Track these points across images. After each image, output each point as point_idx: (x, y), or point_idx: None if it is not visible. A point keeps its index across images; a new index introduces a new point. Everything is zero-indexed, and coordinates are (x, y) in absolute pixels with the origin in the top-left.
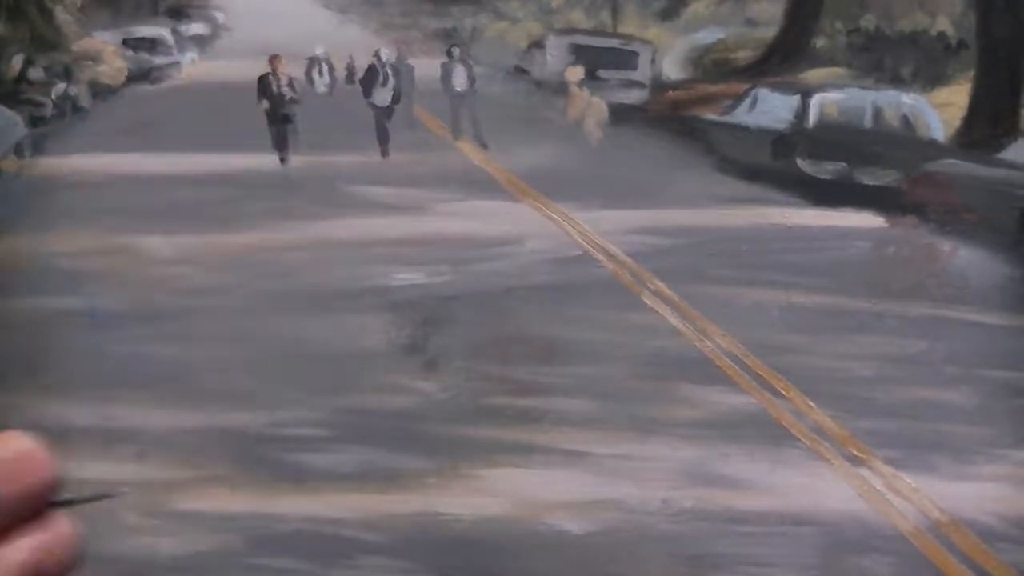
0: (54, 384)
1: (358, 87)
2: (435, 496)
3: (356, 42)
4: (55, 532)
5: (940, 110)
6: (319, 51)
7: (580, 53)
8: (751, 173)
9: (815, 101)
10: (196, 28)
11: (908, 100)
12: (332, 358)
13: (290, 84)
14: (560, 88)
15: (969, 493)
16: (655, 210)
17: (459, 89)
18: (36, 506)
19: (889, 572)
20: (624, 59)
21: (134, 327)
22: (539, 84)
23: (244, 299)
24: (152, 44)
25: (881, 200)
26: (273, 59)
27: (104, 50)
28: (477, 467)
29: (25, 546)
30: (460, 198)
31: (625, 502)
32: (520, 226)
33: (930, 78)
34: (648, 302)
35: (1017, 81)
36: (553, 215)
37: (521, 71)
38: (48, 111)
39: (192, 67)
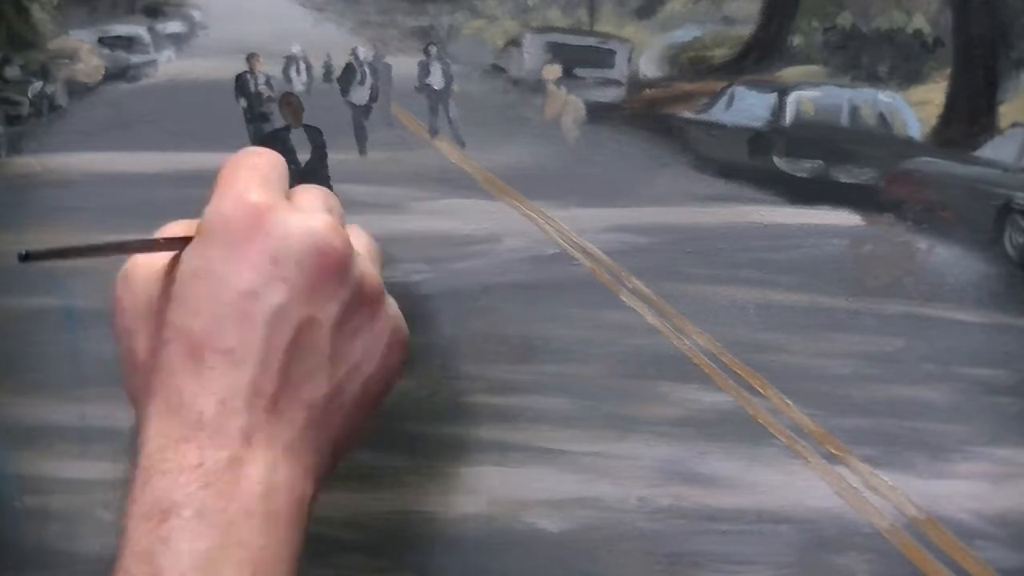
0: (30, 383)
1: (335, 85)
2: (412, 494)
3: (333, 40)
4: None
5: (917, 108)
6: (296, 49)
7: (557, 51)
8: (728, 171)
9: (792, 99)
10: (173, 26)
11: (885, 98)
12: None
13: (268, 83)
14: (537, 86)
15: (947, 490)
16: (632, 208)
17: (436, 87)
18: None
19: (866, 569)
20: (601, 57)
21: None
22: (516, 82)
23: None
24: (129, 42)
25: (858, 198)
26: (250, 58)
27: (80, 48)
28: (454, 465)
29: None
30: (437, 196)
31: (602, 500)
32: (497, 224)
33: (907, 76)
34: (625, 300)
35: (993, 79)
36: (530, 213)
37: (498, 69)
38: (24, 110)
39: (169, 65)
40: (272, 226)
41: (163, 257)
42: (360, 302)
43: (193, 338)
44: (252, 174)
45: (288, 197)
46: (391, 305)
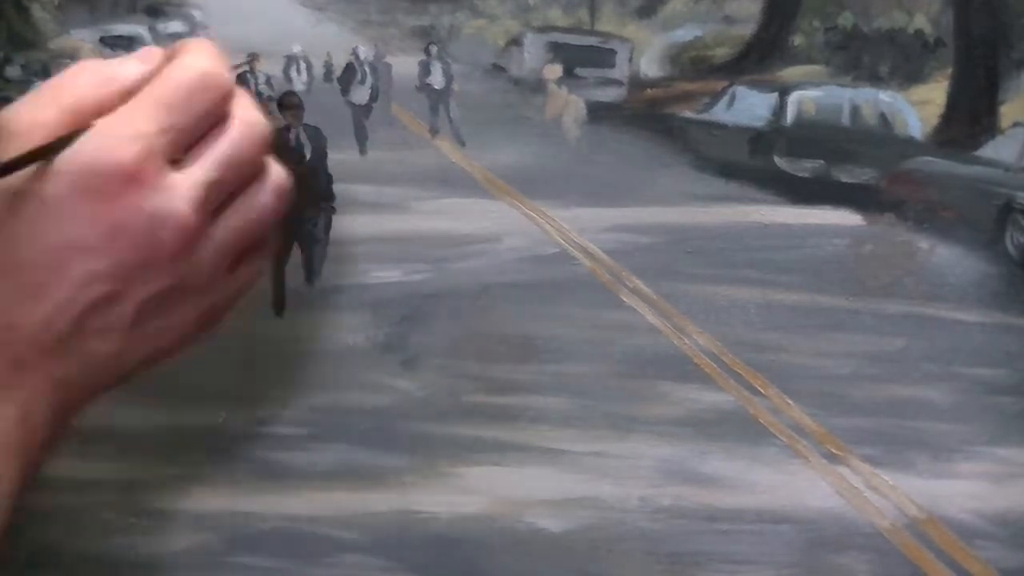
0: None
1: (336, 85)
2: (413, 494)
3: (334, 40)
4: (235, 130)
5: (918, 108)
6: (296, 49)
7: (558, 51)
8: (729, 171)
9: (793, 99)
10: (174, 26)
11: (886, 98)
12: (309, 356)
13: (268, 82)
14: (538, 86)
15: (947, 490)
16: (633, 208)
17: (437, 87)
18: (216, 114)
19: (867, 569)
20: (602, 57)
21: None
22: (517, 82)
23: None
24: (130, 42)
25: (859, 198)
26: (251, 57)
27: (81, 48)
28: (455, 465)
29: (209, 153)
30: (438, 196)
31: (603, 500)
32: (498, 224)
33: (908, 76)
34: (626, 300)
35: (994, 79)
36: (531, 213)
37: (499, 69)
38: None
39: None
40: (125, 199)
41: (43, 127)
42: (181, 290)
43: (3, 260)
44: (156, 120)
45: (190, 148)
46: (225, 287)
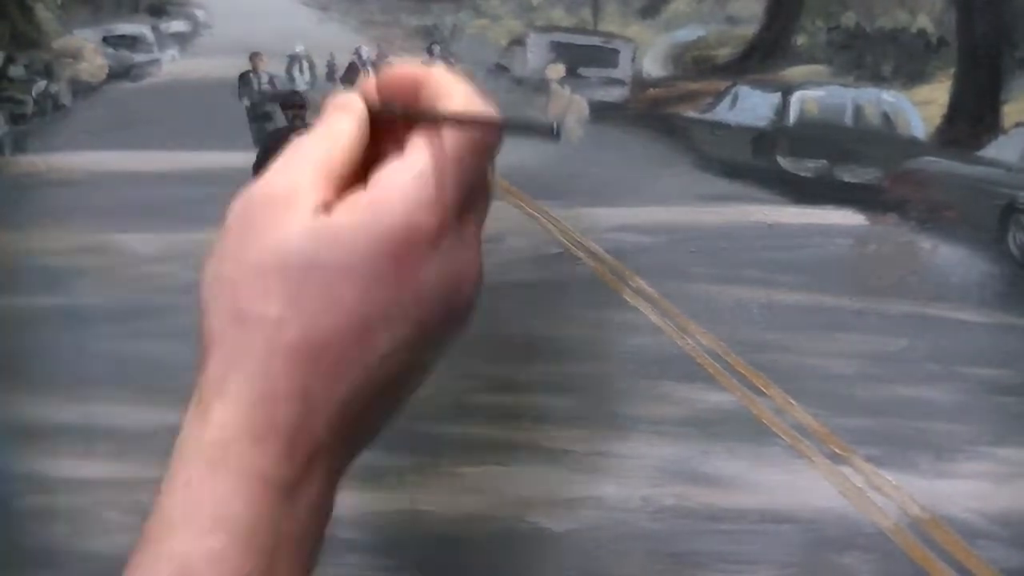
0: (34, 382)
1: (339, 85)
2: (416, 493)
3: (336, 40)
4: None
5: (921, 108)
6: (299, 49)
7: (561, 51)
8: (732, 171)
9: (795, 99)
10: (176, 26)
11: (889, 98)
12: None
13: (271, 82)
14: (541, 85)
15: (950, 490)
16: (636, 208)
17: None
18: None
19: (870, 569)
20: (605, 57)
21: (116, 325)
22: (520, 81)
23: None
24: (133, 42)
25: (862, 198)
26: (254, 57)
27: (84, 47)
28: (458, 464)
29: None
30: None
31: (605, 500)
32: (501, 224)
33: (911, 76)
34: (629, 300)
35: (997, 79)
36: (533, 213)
37: (502, 68)
38: (29, 108)
39: (173, 65)
40: (429, 264)
41: (295, 193)
42: (465, 325)
43: (304, 340)
44: (451, 175)
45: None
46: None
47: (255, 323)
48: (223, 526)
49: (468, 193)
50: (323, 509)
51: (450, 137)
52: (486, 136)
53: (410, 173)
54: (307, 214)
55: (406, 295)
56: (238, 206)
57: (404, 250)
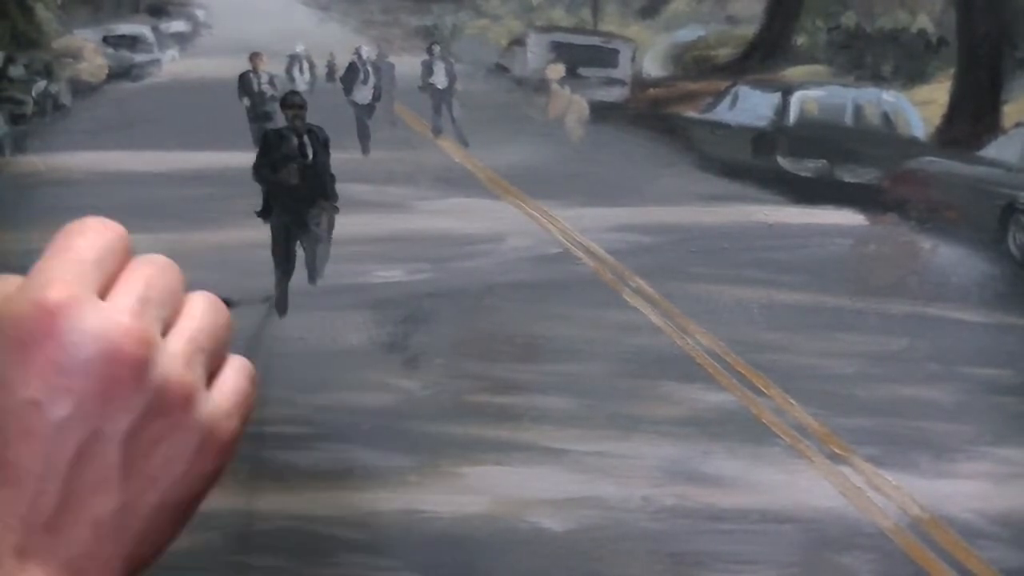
0: None
1: (338, 85)
2: (416, 493)
3: (336, 39)
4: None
5: (921, 107)
6: (299, 49)
7: (561, 51)
8: (732, 171)
9: (795, 99)
10: (176, 25)
11: (888, 98)
12: (312, 356)
13: (271, 82)
14: (541, 86)
15: (950, 490)
16: (636, 208)
17: (439, 87)
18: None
19: (870, 569)
20: (605, 57)
21: None
22: (520, 82)
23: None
24: (133, 42)
25: (862, 198)
26: (253, 57)
27: (84, 47)
28: (457, 464)
29: (131, 277)
30: (440, 195)
31: (606, 500)
32: (501, 223)
33: (911, 75)
34: (629, 299)
35: (997, 78)
36: (534, 212)
37: (502, 69)
38: (29, 109)
39: (173, 65)
40: (62, 331)
41: None
42: (160, 409)
43: None
44: (67, 261)
45: (112, 280)
46: (208, 404)
47: None
48: None
49: (102, 274)
50: None
51: (67, 234)
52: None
53: (32, 271)
54: None
55: (46, 371)
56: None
57: (30, 329)
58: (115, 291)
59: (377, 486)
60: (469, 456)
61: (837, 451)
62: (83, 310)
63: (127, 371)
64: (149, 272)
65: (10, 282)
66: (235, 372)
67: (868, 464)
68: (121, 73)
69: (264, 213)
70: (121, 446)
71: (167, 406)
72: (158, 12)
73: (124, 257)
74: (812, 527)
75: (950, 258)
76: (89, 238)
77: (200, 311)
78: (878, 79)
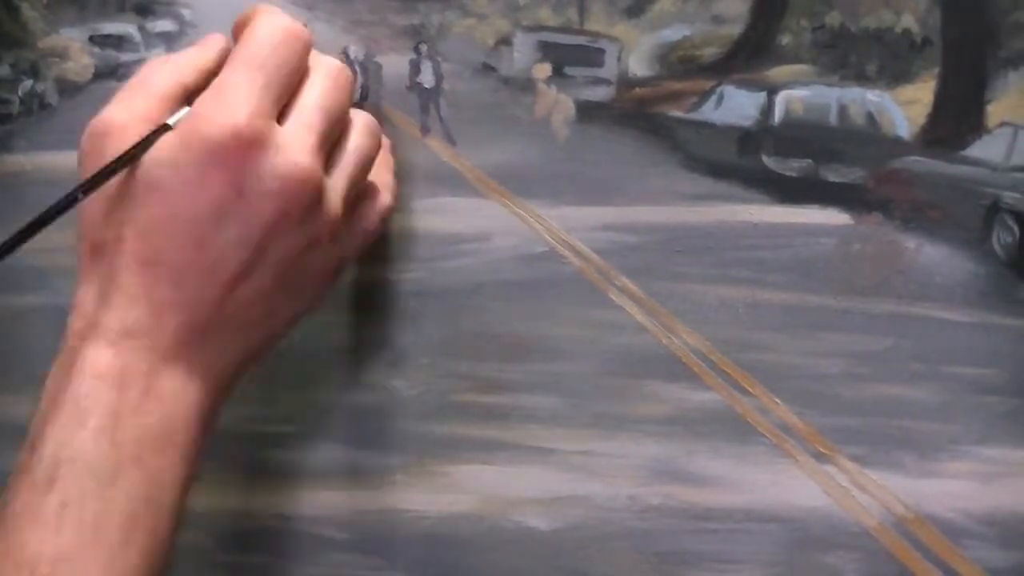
0: (22, 382)
1: None
2: (402, 493)
3: (323, 39)
4: (324, 73)
5: (905, 107)
6: None
7: (547, 50)
8: (717, 170)
9: (781, 98)
10: (163, 25)
11: (873, 97)
12: (298, 355)
13: None
14: (527, 85)
15: (935, 489)
16: (621, 207)
17: (427, 86)
18: (304, 64)
19: (855, 568)
20: (591, 56)
21: None
22: (507, 81)
23: None
24: (119, 41)
25: (846, 197)
26: None
27: (70, 47)
28: (443, 464)
29: (309, 97)
30: (427, 194)
31: (591, 499)
32: (487, 223)
33: (895, 75)
34: (614, 298)
35: (982, 78)
36: (520, 211)
37: (489, 68)
38: (14, 108)
39: None
40: (246, 164)
41: (140, 122)
42: (313, 240)
43: (144, 249)
44: (254, 79)
45: (291, 95)
46: (351, 232)
47: (102, 248)
48: (85, 421)
49: (280, 93)
50: (189, 410)
51: (249, 44)
52: (281, 31)
53: (216, 87)
54: (135, 139)
55: (227, 196)
56: (84, 140)
57: (217, 158)
58: (294, 116)
59: (363, 485)
60: (455, 455)
61: (822, 450)
62: (267, 146)
63: (297, 211)
64: (326, 92)
65: (188, 75)
66: (379, 201)
67: (853, 463)
68: (107, 72)
69: None
70: (276, 270)
71: (320, 241)
72: (144, 11)
73: (304, 66)
74: (797, 526)
75: (935, 257)
76: (277, 50)
77: (357, 132)
78: (863, 79)
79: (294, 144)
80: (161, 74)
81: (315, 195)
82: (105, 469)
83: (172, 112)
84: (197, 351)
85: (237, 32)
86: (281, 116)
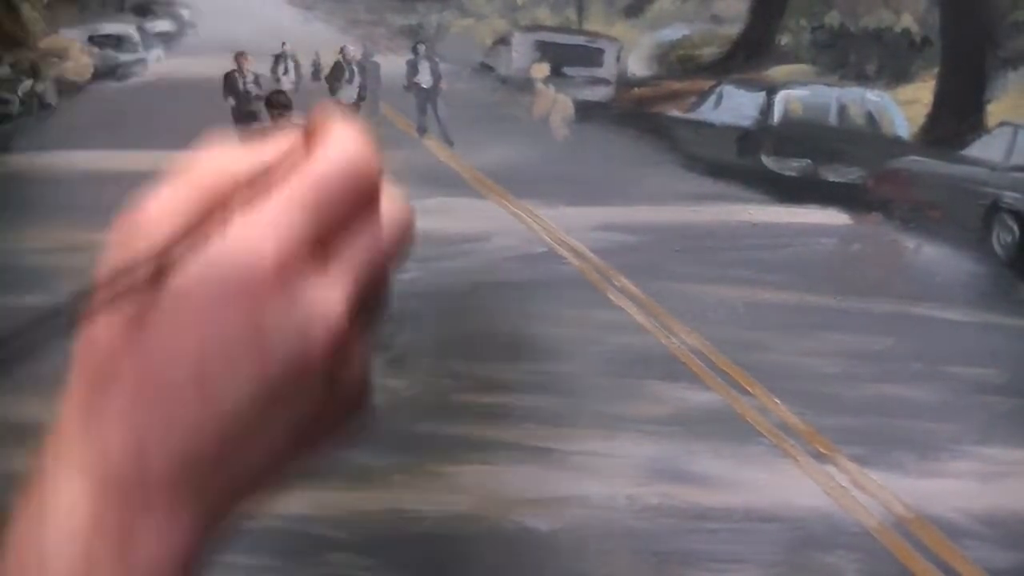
0: (23, 382)
1: (324, 84)
2: (401, 493)
3: (322, 39)
4: (386, 219)
5: (905, 107)
6: (285, 48)
7: (546, 50)
8: (716, 170)
9: (780, 98)
10: (162, 25)
11: (873, 97)
12: None
13: (256, 81)
14: (526, 85)
15: (935, 489)
16: (620, 207)
17: (424, 86)
18: (364, 206)
19: (855, 568)
20: (590, 56)
21: None
22: (505, 81)
23: None
24: (118, 41)
25: (846, 197)
26: (239, 56)
27: (70, 47)
28: (443, 464)
29: (360, 244)
30: (426, 195)
31: (590, 498)
32: (486, 223)
33: (895, 75)
34: (613, 299)
35: (981, 78)
36: (519, 212)
37: (487, 68)
38: (15, 108)
39: (158, 64)
40: (275, 303)
41: (173, 215)
42: (331, 402)
43: (140, 377)
44: (305, 219)
45: (339, 237)
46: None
47: (96, 370)
48: (55, 568)
49: (327, 232)
50: (176, 556)
51: (314, 167)
52: (349, 172)
53: (260, 206)
54: (163, 234)
55: (243, 331)
56: (116, 227)
57: (239, 285)
58: (338, 264)
59: (363, 485)
60: (454, 455)
61: (822, 450)
62: (300, 285)
63: (317, 367)
64: (379, 242)
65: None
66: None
67: (853, 463)
68: (106, 72)
69: None
70: (285, 433)
71: (340, 404)
72: (143, 12)
73: (368, 207)
74: (797, 526)
75: (934, 257)
76: (340, 190)
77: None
78: (862, 78)
79: (329, 294)
80: (214, 169)
81: (338, 353)
82: None
83: (211, 215)
84: (184, 489)
85: (308, 136)
86: (326, 253)
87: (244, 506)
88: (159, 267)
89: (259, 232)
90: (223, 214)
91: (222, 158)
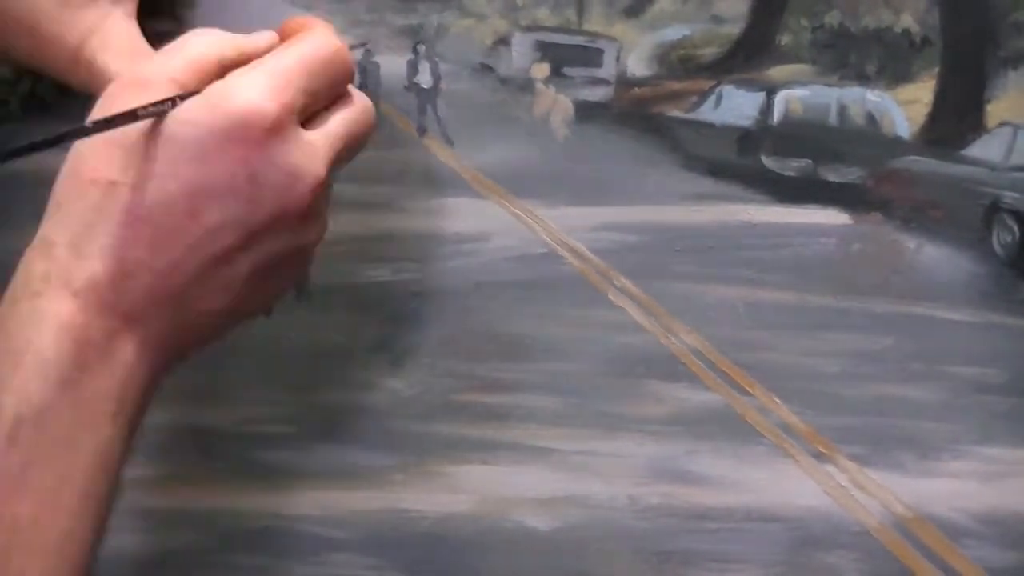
0: None
1: None
2: (401, 493)
3: None
4: (357, 106)
5: (905, 107)
6: None
7: (546, 50)
8: (716, 170)
9: (780, 98)
10: (161, 25)
11: (873, 97)
12: (298, 355)
13: None
14: (526, 85)
15: (935, 489)
16: (621, 207)
17: (425, 86)
18: (340, 90)
19: (855, 568)
20: (590, 56)
21: None
22: (504, 81)
23: None
24: None
25: (846, 197)
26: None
27: None
28: (443, 464)
29: (339, 120)
30: (426, 195)
31: (591, 498)
32: (486, 223)
33: (895, 75)
34: (614, 299)
35: (981, 77)
36: (519, 212)
37: (487, 68)
38: (13, 109)
39: None
40: (270, 150)
41: (168, 82)
42: (297, 244)
43: (135, 202)
44: (296, 77)
45: (319, 105)
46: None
47: (89, 187)
48: (48, 374)
49: (313, 102)
50: (139, 380)
51: (303, 45)
52: (330, 53)
53: (256, 68)
54: (159, 96)
55: (239, 174)
56: (110, 86)
57: (240, 132)
58: (321, 129)
59: (362, 485)
60: (455, 455)
61: (822, 450)
62: (290, 140)
63: (297, 214)
64: (354, 121)
65: (224, 52)
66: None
67: (853, 463)
68: None
69: None
70: (253, 266)
71: (305, 249)
72: (143, 11)
73: (342, 90)
74: (797, 525)
75: (935, 257)
76: (325, 62)
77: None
78: (862, 78)
79: (317, 151)
80: (201, 43)
81: (318, 204)
82: (66, 432)
83: (202, 81)
84: (155, 322)
85: (285, 34)
86: (307, 124)
87: (191, 351)
88: (157, 110)
89: (259, 89)
90: (218, 75)
91: (211, 36)
